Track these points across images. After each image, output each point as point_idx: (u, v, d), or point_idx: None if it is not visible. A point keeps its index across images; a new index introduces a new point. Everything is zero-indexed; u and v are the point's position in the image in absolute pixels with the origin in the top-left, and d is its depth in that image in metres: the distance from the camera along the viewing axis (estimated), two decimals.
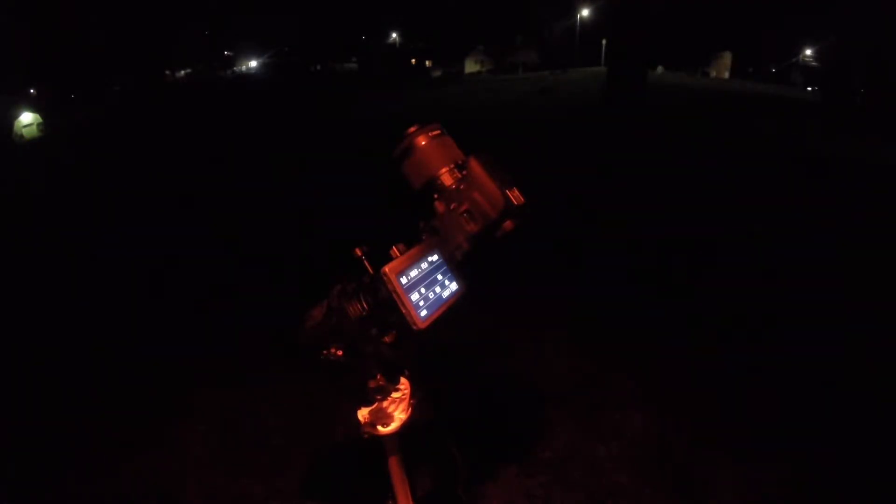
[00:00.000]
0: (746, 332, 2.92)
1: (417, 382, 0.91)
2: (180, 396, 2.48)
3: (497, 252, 0.82)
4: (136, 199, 6.61)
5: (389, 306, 0.71)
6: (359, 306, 0.75)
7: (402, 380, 0.89)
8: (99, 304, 3.53)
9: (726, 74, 39.07)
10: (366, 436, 0.89)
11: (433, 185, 0.80)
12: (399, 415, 0.88)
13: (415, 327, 0.70)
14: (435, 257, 0.75)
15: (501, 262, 2.63)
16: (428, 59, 50.04)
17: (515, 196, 0.75)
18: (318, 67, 49.06)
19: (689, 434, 2.17)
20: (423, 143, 0.80)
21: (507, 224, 0.77)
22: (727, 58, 40.85)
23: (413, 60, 49.04)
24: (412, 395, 0.90)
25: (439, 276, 0.75)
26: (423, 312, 0.70)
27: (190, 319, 3.23)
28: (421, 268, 0.73)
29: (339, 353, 0.79)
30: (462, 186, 0.77)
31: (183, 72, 50.34)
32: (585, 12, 42.08)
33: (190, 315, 3.29)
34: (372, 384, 0.86)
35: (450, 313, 0.74)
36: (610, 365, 2.63)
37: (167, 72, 44.76)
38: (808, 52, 38.05)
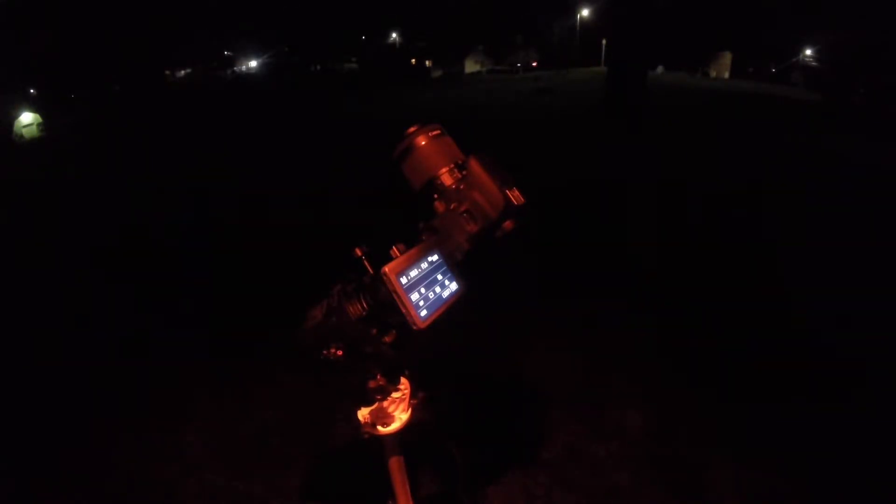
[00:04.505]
0: (746, 332, 2.92)
1: (418, 383, 0.91)
2: (180, 396, 2.48)
3: (497, 252, 0.82)
4: (136, 198, 6.61)
5: (389, 306, 0.70)
6: (359, 306, 0.74)
7: (403, 380, 0.89)
8: (98, 305, 3.53)
9: (726, 74, 39.04)
10: (366, 436, 0.89)
11: (433, 185, 0.80)
12: (399, 415, 0.88)
13: (415, 327, 0.69)
14: (435, 257, 0.75)
15: (500, 263, 2.63)
16: (428, 59, 49.99)
17: (515, 196, 0.75)
18: (318, 67, 49.03)
19: (689, 434, 2.17)
20: (423, 143, 0.80)
21: (507, 224, 0.77)
22: (727, 58, 40.82)
23: (413, 60, 49.02)
24: (412, 396, 0.90)
25: (439, 276, 0.75)
26: (423, 312, 0.70)
27: (190, 319, 3.22)
28: (421, 268, 0.73)
29: (340, 353, 0.79)
30: (462, 186, 0.77)
31: (182, 72, 50.33)
32: (585, 12, 42.09)
33: (190, 315, 3.29)
34: (372, 384, 0.86)
35: (450, 313, 0.74)
36: (610, 365, 2.63)
37: (167, 72, 44.76)
38: (808, 52, 38.05)
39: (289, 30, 46.59)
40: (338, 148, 9.67)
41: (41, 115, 14.01)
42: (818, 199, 5.67)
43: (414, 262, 0.72)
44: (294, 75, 40.16)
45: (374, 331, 0.76)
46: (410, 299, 0.70)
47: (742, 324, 3.00)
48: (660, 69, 29.73)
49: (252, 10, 46.48)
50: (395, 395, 0.87)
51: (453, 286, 0.76)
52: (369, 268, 0.75)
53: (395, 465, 0.91)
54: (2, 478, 2.05)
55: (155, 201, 6.39)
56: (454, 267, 0.77)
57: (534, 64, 44.25)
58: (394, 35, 54.47)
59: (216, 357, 2.77)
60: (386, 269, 0.70)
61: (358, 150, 8.73)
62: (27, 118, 13.61)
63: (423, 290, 0.72)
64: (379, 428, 0.88)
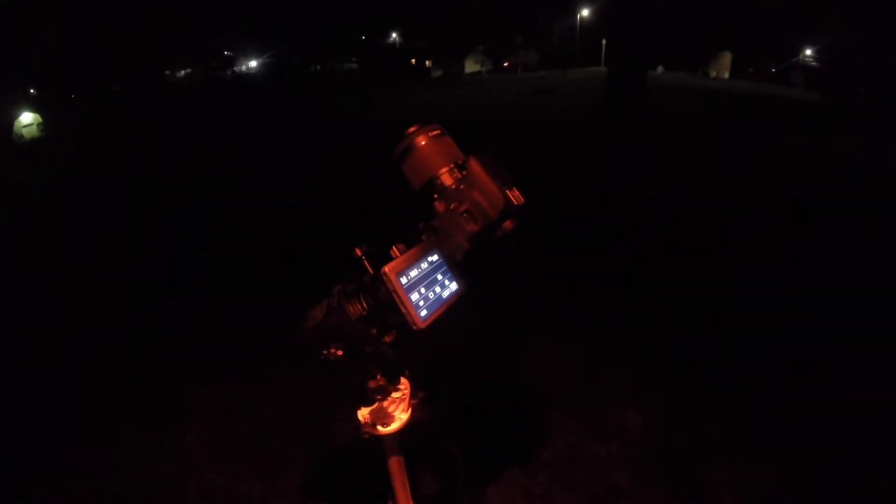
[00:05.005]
0: (746, 332, 2.92)
1: (418, 383, 0.91)
2: (180, 396, 2.48)
3: (497, 252, 0.82)
4: (136, 198, 6.61)
5: (389, 306, 0.70)
6: (359, 306, 0.74)
7: (403, 380, 0.89)
8: (98, 305, 3.53)
9: (726, 74, 39.02)
10: (366, 436, 0.89)
11: (433, 185, 0.80)
12: (399, 415, 0.88)
13: (415, 327, 0.69)
14: (435, 257, 0.75)
15: (500, 263, 2.63)
16: (428, 59, 50.03)
17: (515, 196, 0.75)
18: (318, 67, 49.03)
19: (688, 433, 2.17)
20: (423, 143, 0.80)
21: (507, 224, 0.77)
22: (727, 58, 40.81)
23: (413, 60, 49.07)
24: (412, 396, 0.90)
25: (439, 276, 0.75)
26: (423, 312, 0.70)
27: (190, 319, 3.22)
28: (421, 268, 0.73)
29: (340, 353, 0.79)
30: (462, 186, 0.77)
31: (182, 72, 50.37)
32: (585, 12, 42.11)
33: (190, 315, 3.29)
34: (372, 384, 0.85)
35: (450, 313, 0.74)
36: (610, 365, 2.63)
37: (167, 72, 44.80)
38: (808, 52, 38.06)
39: (289, 30, 46.58)
40: (338, 148, 9.67)
41: (41, 115, 14.01)
42: (818, 199, 5.67)
43: (414, 262, 0.72)
44: (294, 75, 40.15)
45: (374, 331, 0.76)
46: (410, 299, 0.70)
47: (742, 324, 3.00)
48: (660, 69, 29.71)
49: (252, 10, 46.52)
50: (395, 395, 0.87)
51: (453, 286, 0.76)
52: (369, 268, 0.75)
53: (395, 465, 0.91)
54: (2, 478, 2.05)
55: (155, 201, 6.39)
56: (454, 267, 0.77)
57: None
58: (394, 35, 54.48)
59: (216, 357, 2.77)
60: (386, 269, 0.70)
61: (358, 150, 8.73)
62: (27, 118, 13.60)
63: (423, 290, 0.72)
64: (379, 428, 0.88)
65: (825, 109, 15.67)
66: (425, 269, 0.73)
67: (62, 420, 2.36)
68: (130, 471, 2.05)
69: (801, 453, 2.03)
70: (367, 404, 0.88)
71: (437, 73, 44.55)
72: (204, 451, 2.14)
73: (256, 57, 52.52)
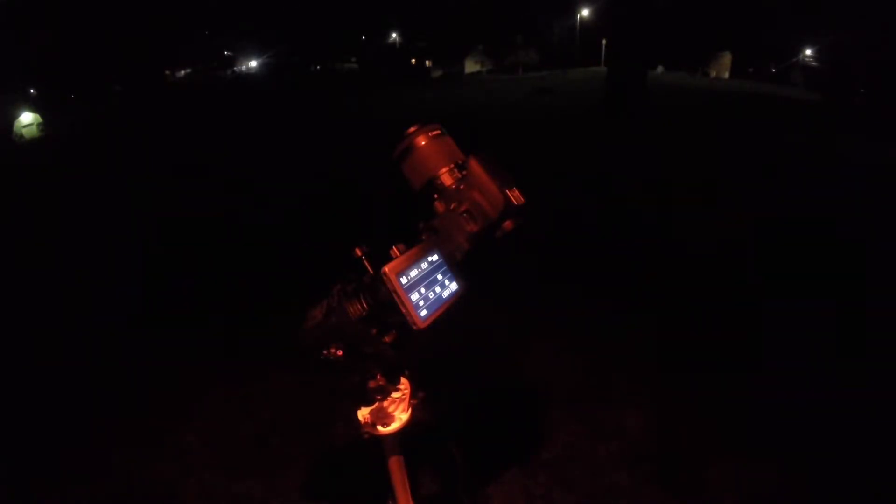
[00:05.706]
0: (746, 332, 2.92)
1: (418, 383, 0.91)
2: (180, 397, 2.48)
3: (497, 252, 0.82)
4: (135, 198, 6.60)
5: (389, 306, 0.70)
6: (359, 306, 0.75)
7: (403, 380, 0.89)
8: (98, 304, 3.53)
9: (726, 74, 38.98)
10: (366, 436, 0.89)
11: (433, 185, 0.80)
12: (399, 415, 0.88)
13: (415, 327, 0.70)
14: (435, 257, 0.75)
15: (500, 263, 2.63)
16: (428, 59, 50.03)
17: (515, 196, 0.75)
18: (318, 67, 49.06)
19: (688, 433, 2.17)
20: (423, 143, 0.80)
21: (507, 224, 0.77)
22: (727, 58, 40.78)
23: (413, 60, 49.06)
24: (412, 396, 0.90)
25: (439, 276, 0.75)
26: (423, 312, 0.70)
27: (190, 320, 3.22)
28: (421, 268, 0.73)
29: (339, 353, 0.79)
30: (462, 186, 0.77)
31: (182, 72, 50.38)
32: (585, 12, 42.15)
33: (190, 315, 3.29)
34: (372, 384, 0.86)
35: (450, 313, 0.74)
36: (610, 365, 2.63)
37: (167, 72, 44.83)
38: (808, 52, 38.07)
39: (289, 30, 46.59)
40: (338, 148, 9.67)
41: (41, 115, 14.02)
42: (818, 199, 5.67)
43: (414, 262, 0.72)
44: (294, 75, 40.16)
45: (374, 331, 0.76)
46: (410, 299, 0.70)
47: (742, 323, 3.00)
48: (660, 69, 29.71)
49: (252, 10, 46.57)
50: (395, 395, 0.88)
51: (453, 286, 0.76)
52: (369, 268, 0.75)
53: (395, 465, 0.91)
54: (2, 478, 2.05)
55: (154, 201, 6.39)
56: (454, 267, 0.77)
57: (532, 60, 46.73)
58: (394, 35, 54.50)
59: (216, 357, 2.78)
60: (386, 268, 0.70)
61: (358, 150, 8.73)
62: (27, 118, 13.63)
63: (423, 290, 0.72)
64: (379, 428, 0.88)
65: (825, 109, 15.67)
66: (425, 269, 0.73)
67: (62, 420, 2.36)
68: (130, 471, 2.06)
69: (801, 453, 2.03)
70: (367, 404, 0.88)
71: (437, 73, 44.50)
72: (204, 451, 2.14)
73: (256, 57, 52.49)
